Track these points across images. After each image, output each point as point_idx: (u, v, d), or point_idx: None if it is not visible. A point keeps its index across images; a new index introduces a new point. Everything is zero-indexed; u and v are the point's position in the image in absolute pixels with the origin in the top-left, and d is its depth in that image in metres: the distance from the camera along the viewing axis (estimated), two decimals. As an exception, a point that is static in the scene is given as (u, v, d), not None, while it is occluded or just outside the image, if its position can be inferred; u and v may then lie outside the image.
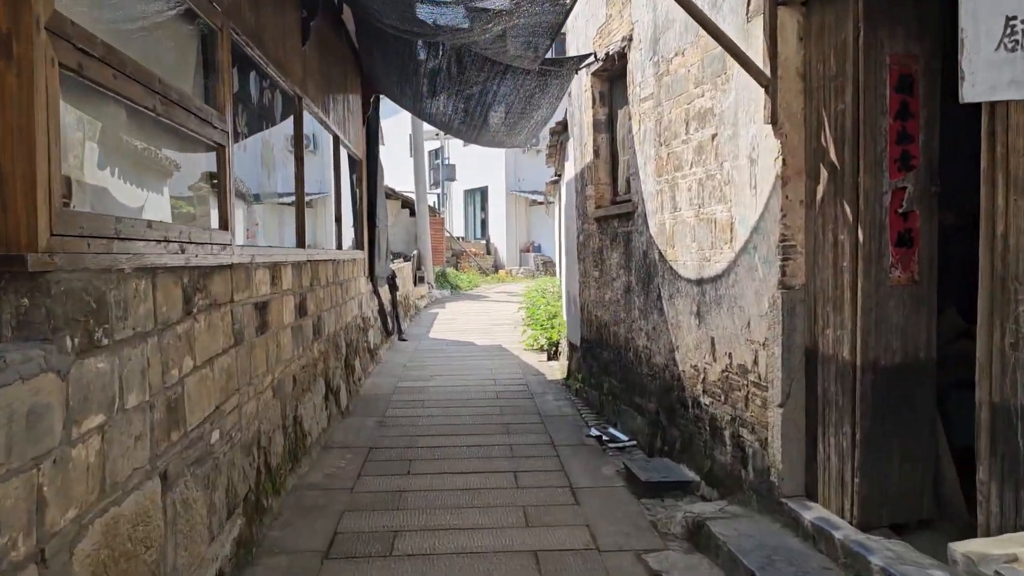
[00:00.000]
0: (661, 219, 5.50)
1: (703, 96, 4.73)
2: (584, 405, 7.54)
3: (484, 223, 31.33)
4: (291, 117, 5.86)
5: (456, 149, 31.34)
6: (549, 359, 10.56)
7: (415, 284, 18.39)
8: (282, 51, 5.26)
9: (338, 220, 7.99)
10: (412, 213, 22.21)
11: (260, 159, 6.98)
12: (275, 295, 4.85)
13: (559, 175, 11.34)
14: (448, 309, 17.61)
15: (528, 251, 28.93)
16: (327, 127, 7.20)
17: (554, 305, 12.06)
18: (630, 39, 6.03)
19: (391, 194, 22.21)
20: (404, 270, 15.39)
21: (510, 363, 10.13)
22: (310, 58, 6.27)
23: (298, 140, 5.87)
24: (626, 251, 6.35)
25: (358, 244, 9.78)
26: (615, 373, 6.76)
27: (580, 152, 7.76)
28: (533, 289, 14.31)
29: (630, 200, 6.22)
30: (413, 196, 21.98)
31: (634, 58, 5.97)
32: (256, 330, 4.38)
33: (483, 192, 31.14)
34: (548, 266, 27.52)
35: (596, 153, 7.25)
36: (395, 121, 37.76)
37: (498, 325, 14.22)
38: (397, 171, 36.41)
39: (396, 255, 19.74)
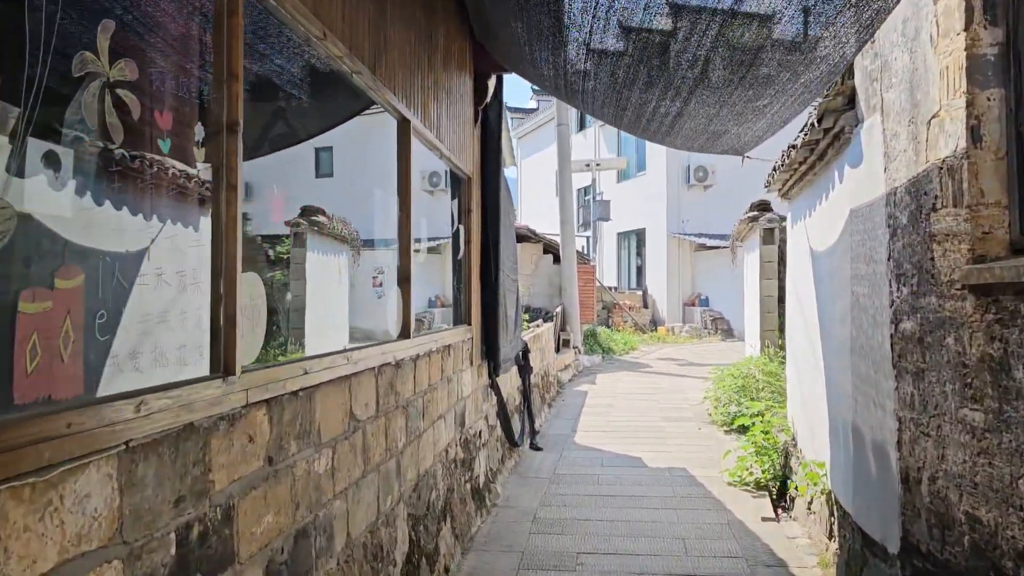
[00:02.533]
0: None
1: None
2: None
3: (640, 271, 27.09)
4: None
5: (609, 184, 27.47)
6: (776, 508, 6.30)
7: (558, 351, 14.48)
8: None
9: (404, 282, 4.18)
10: (556, 260, 18.41)
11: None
12: None
13: (786, 196, 7.10)
14: (600, 386, 13.53)
15: (693, 304, 24.39)
16: (371, 91, 3.46)
17: (777, 411, 7.71)
18: None
19: (529, 236, 18.57)
20: (542, 336, 11.53)
21: (713, 523, 5.92)
22: None
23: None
24: None
25: (461, 316, 6.00)
26: None
27: (909, 137, 3.61)
28: (728, 374, 9.98)
29: None
30: (557, 239, 18.20)
31: None
32: None
33: (639, 235, 26.97)
34: (719, 323, 22.91)
35: (974, 135, 3.09)
36: (538, 159, 34.65)
37: (673, 421, 9.99)
38: (540, 215, 33.11)
39: (536, 313, 15.98)
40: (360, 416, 3.21)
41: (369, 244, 10.91)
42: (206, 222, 2.12)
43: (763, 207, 11.03)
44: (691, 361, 16.94)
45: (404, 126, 4.05)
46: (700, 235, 24.11)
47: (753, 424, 7.23)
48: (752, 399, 8.96)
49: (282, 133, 6.06)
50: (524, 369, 8.82)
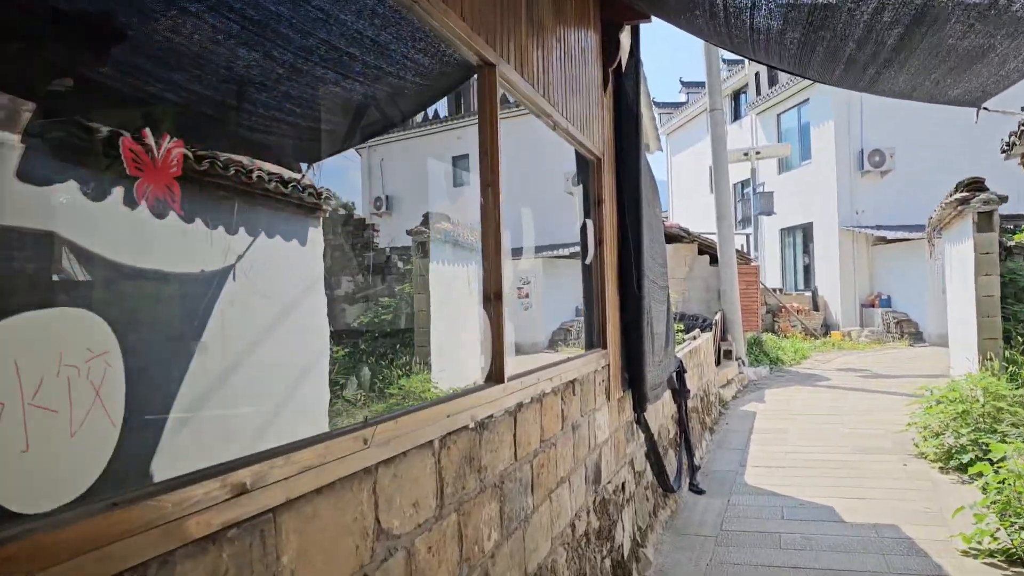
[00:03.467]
0: None
1: None
2: None
3: (808, 270, 24.53)
4: None
5: (769, 177, 25.14)
6: (1042, 597, 4.51)
7: (718, 363, 12.77)
8: None
9: (493, 299, 2.90)
10: (713, 261, 16.60)
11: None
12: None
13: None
14: (770, 404, 11.70)
15: (873, 306, 21.66)
16: (416, 5, 2.22)
17: (1023, 449, 5.79)
18: None
19: (681, 236, 16.87)
20: (700, 350, 9.94)
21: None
22: None
23: None
24: None
25: (593, 338, 4.66)
26: None
27: None
28: (943, 396, 7.93)
29: None
30: (712, 238, 16.40)
31: None
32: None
33: (805, 230, 24.42)
34: (904, 326, 20.17)
35: None
36: (688, 155, 32.63)
37: (868, 453, 8.11)
38: (692, 216, 31.07)
39: (691, 322, 14.33)
40: (399, 529, 1.95)
41: (515, 253, 9.80)
42: None
43: (975, 186, 8.92)
44: (877, 372, 14.65)
45: (485, 72, 2.77)
46: (878, 227, 21.40)
47: (996, 472, 5.39)
48: (978, 429, 7.01)
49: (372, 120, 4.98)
50: (679, 393, 7.34)
